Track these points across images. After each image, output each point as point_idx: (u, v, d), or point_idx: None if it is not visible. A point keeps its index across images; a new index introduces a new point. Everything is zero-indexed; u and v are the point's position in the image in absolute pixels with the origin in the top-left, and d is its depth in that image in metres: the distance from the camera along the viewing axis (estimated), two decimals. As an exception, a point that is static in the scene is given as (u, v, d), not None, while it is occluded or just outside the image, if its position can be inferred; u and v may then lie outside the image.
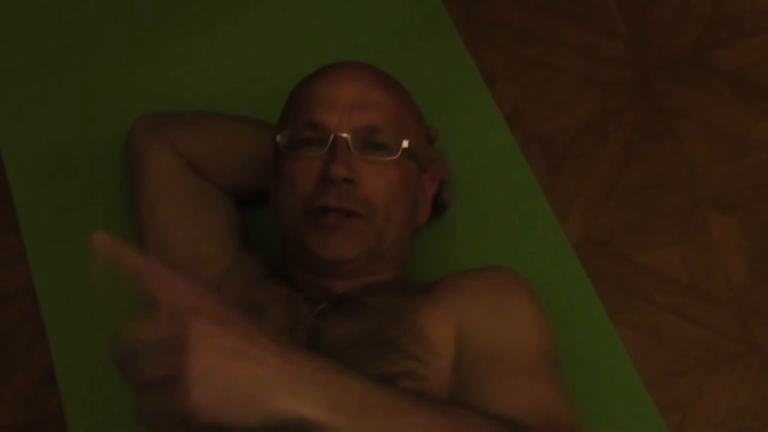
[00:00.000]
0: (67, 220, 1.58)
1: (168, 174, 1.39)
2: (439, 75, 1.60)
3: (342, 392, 0.81)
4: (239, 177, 1.42)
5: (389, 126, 1.23)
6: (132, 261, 0.80)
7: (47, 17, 1.73)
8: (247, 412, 0.78)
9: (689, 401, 1.37)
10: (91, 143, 1.62)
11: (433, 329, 1.14)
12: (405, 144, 1.23)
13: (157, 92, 1.64)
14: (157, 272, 0.79)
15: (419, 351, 1.12)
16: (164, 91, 1.65)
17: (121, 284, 1.47)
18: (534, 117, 1.57)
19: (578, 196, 1.52)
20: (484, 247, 1.47)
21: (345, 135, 1.19)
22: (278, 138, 1.26)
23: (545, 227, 1.49)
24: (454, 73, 1.61)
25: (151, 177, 1.40)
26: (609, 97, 1.57)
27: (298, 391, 0.80)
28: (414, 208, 1.29)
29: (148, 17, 1.71)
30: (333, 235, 1.17)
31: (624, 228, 1.48)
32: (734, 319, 1.41)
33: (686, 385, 1.38)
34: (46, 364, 1.51)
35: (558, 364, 1.20)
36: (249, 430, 0.81)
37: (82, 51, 1.70)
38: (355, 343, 1.11)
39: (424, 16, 1.66)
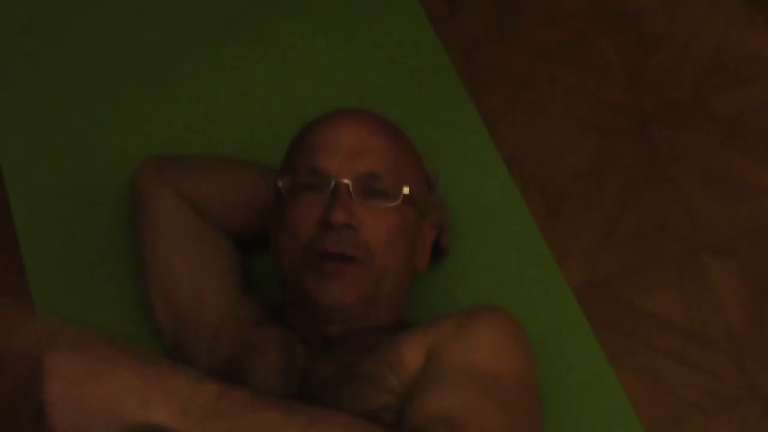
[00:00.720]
0: (74, 261, 1.58)
1: (171, 216, 1.40)
2: (439, 119, 1.60)
3: (190, 398, 0.93)
4: (241, 221, 1.41)
5: (390, 173, 1.24)
6: None
7: (56, 59, 1.75)
8: (104, 425, 0.91)
9: None
10: (97, 186, 1.62)
11: (410, 358, 1.14)
12: (405, 190, 1.24)
13: (162, 135, 1.65)
14: (2, 320, 0.90)
15: (396, 383, 1.12)
16: (169, 134, 1.65)
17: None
18: (533, 161, 1.58)
19: (577, 241, 1.52)
20: (483, 291, 1.46)
21: (346, 181, 1.20)
22: (280, 183, 1.27)
23: (544, 271, 1.48)
24: (454, 117, 1.61)
25: (155, 219, 1.40)
26: (607, 142, 1.58)
27: (147, 400, 0.92)
28: (413, 254, 1.29)
29: (154, 61, 1.72)
30: (331, 281, 1.17)
31: (623, 272, 1.49)
32: (733, 364, 1.41)
33: (685, 430, 1.38)
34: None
35: (528, 402, 1.16)
36: None
37: (89, 93, 1.71)
38: (336, 380, 1.11)
39: (426, 61, 1.67)
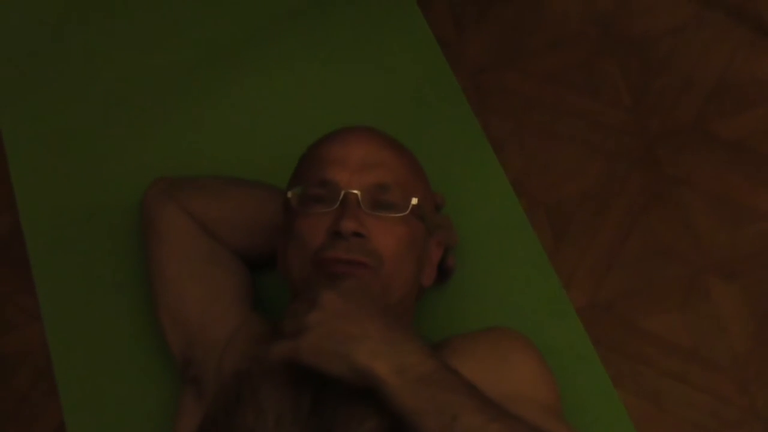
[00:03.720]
0: (81, 281, 1.58)
1: (180, 236, 1.40)
2: (447, 141, 1.61)
3: (412, 364, 1.03)
4: (250, 240, 1.42)
5: (398, 185, 1.25)
6: None
7: (71, 84, 1.76)
8: (337, 361, 1.05)
9: None
10: (106, 206, 1.63)
11: None
12: (414, 201, 1.25)
13: (171, 156, 1.66)
14: None
15: None
16: (178, 154, 1.66)
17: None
18: (539, 183, 1.59)
19: (582, 262, 1.52)
20: (489, 311, 1.46)
21: (355, 191, 1.21)
22: (289, 195, 1.27)
23: (550, 292, 1.48)
24: (461, 139, 1.62)
25: (164, 238, 1.41)
26: (613, 165, 1.58)
27: (379, 353, 1.04)
28: (419, 269, 1.29)
29: (165, 83, 1.74)
30: (343, 282, 1.17)
31: (627, 294, 1.48)
32: (736, 386, 1.40)
33: None
34: (58, 420, 1.51)
35: (563, 417, 1.23)
36: (335, 378, 1.06)
37: (100, 114, 1.72)
38: (347, 393, 1.11)
39: (435, 83, 1.68)
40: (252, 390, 1.16)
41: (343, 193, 1.21)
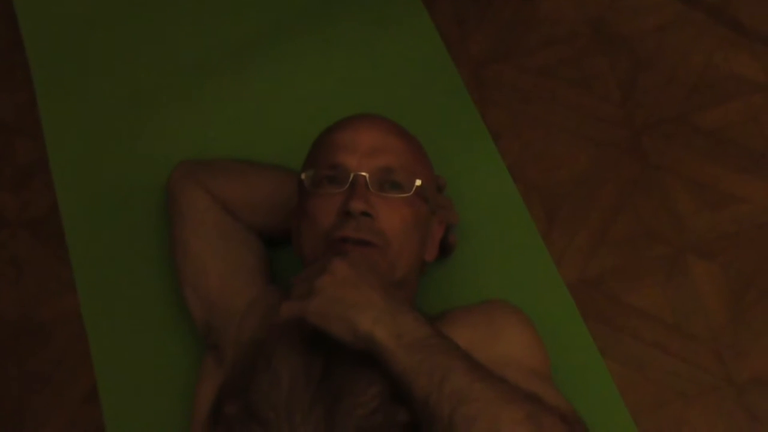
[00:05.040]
0: (112, 254, 1.60)
1: (202, 215, 1.42)
2: (449, 129, 1.63)
3: (408, 330, 1.07)
4: (266, 218, 1.44)
5: (403, 168, 1.26)
6: None
7: (106, 75, 1.78)
8: (341, 324, 1.08)
9: (670, 428, 1.37)
10: (135, 185, 1.65)
11: None
12: (417, 183, 1.26)
13: (194, 140, 1.68)
14: None
15: None
16: (201, 139, 1.68)
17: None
18: (534, 169, 1.59)
19: (573, 242, 1.52)
20: (486, 285, 1.48)
21: (364, 174, 1.23)
22: (303, 177, 1.28)
23: (542, 269, 1.50)
24: (463, 128, 1.63)
25: (187, 217, 1.43)
26: (602, 153, 1.58)
27: (379, 319, 1.07)
28: (423, 245, 1.30)
29: (189, 75, 1.75)
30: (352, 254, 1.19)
31: (614, 271, 1.49)
32: (712, 355, 1.41)
33: (668, 415, 1.38)
34: (91, 383, 1.52)
35: (552, 382, 1.25)
36: (337, 339, 1.09)
37: (131, 103, 1.74)
38: (355, 360, 1.13)
39: (439, 77, 1.69)
40: (267, 357, 1.18)
41: (352, 175, 1.22)
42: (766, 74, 1.62)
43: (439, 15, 1.77)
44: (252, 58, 1.76)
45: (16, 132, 1.76)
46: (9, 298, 1.62)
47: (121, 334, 1.55)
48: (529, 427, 1.01)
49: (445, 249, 1.47)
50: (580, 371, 1.42)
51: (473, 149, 1.62)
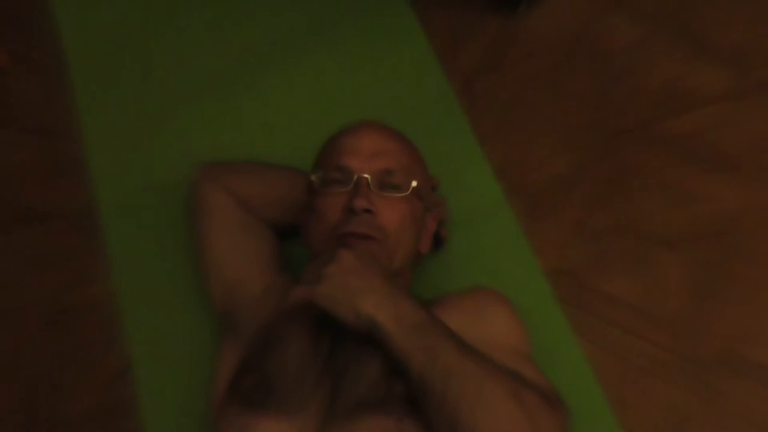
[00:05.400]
0: (143, 244, 1.61)
1: (222, 211, 1.43)
2: (441, 135, 1.63)
3: (406, 314, 1.09)
4: (279, 214, 1.45)
5: (401, 170, 1.28)
6: None
7: (141, 79, 1.78)
8: (346, 307, 1.10)
9: (634, 400, 1.38)
10: (163, 183, 1.65)
11: None
12: (414, 183, 1.28)
13: (215, 143, 1.68)
14: None
15: None
16: (221, 142, 1.68)
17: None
18: (516, 171, 1.59)
19: (551, 235, 1.53)
20: (474, 274, 1.50)
21: (366, 175, 1.25)
22: (312, 178, 1.31)
23: (523, 259, 1.52)
24: (454, 134, 1.65)
25: (209, 213, 1.44)
26: (578, 156, 1.59)
27: (381, 304, 1.09)
28: (418, 238, 1.32)
29: (212, 85, 1.75)
30: (357, 247, 1.20)
31: (588, 261, 1.50)
32: (673, 336, 1.42)
33: (633, 387, 1.39)
34: (121, 361, 1.52)
35: (532, 360, 1.26)
36: (342, 321, 1.11)
37: (158, 111, 1.74)
38: (358, 339, 1.14)
39: (432, 87, 1.71)
40: (280, 336, 1.20)
41: (356, 176, 1.25)
42: (725, 86, 1.62)
43: (432, 32, 1.77)
44: (265, 72, 1.76)
45: (58, 134, 1.77)
46: (49, 283, 1.61)
47: (149, 316, 1.55)
48: (512, 401, 1.04)
49: (437, 242, 1.49)
50: (556, 350, 1.43)
51: (462, 153, 1.63)
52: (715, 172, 1.54)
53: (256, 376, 1.18)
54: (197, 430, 1.44)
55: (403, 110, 1.65)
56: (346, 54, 1.76)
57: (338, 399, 1.14)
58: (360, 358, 1.16)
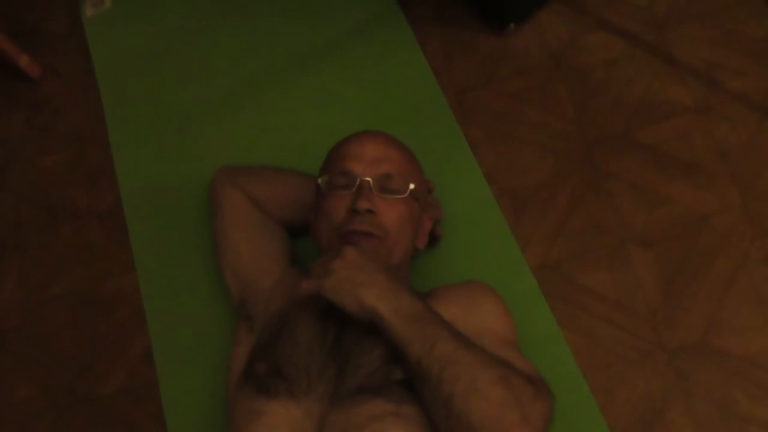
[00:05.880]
0: (166, 241, 1.62)
1: (239, 211, 1.45)
2: (436, 143, 1.63)
3: (405, 305, 1.09)
4: (290, 213, 1.46)
5: (400, 175, 1.30)
6: None
7: (157, 97, 1.79)
8: (350, 299, 1.10)
9: (614, 386, 1.38)
10: (184, 184, 1.66)
11: None
12: (411, 186, 1.29)
13: (232, 149, 1.70)
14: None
15: None
16: (237, 148, 1.70)
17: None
18: (505, 175, 1.60)
19: (536, 234, 1.53)
20: (466, 269, 1.50)
21: (368, 179, 1.26)
22: (319, 181, 1.32)
23: (511, 256, 1.51)
24: (447, 141, 1.64)
25: (227, 212, 1.45)
26: (560, 163, 1.59)
27: (382, 296, 1.10)
28: (415, 235, 1.33)
29: (230, 96, 1.75)
30: (360, 244, 1.22)
31: (569, 257, 1.50)
32: (648, 327, 1.42)
33: (612, 374, 1.40)
34: (146, 346, 1.54)
35: (519, 348, 1.26)
36: (347, 312, 1.10)
37: (179, 119, 1.75)
38: (362, 329, 1.15)
39: (428, 100, 1.70)
40: (290, 325, 1.21)
41: (359, 180, 1.26)
42: (694, 99, 1.61)
43: (429, 49, 1.77)
44: (276, 86, 1.77)
45: (89, 140, 1.80)
46: (81, 276, 1.64)
47: (171, 306, 1.56)
48: (502, 386, 1.04)
49: (433, 239, 1.50)
50: (541, 340, 1.43)
51: (456, 158, 1.63)
52: (686, 177, 1.55)
53: (268, 361, 1.19)
54: (214, 413, 1.43)
55: (401, 120, 1.66)
56: (349, 69, 1.77)
57: (342, 384, 1.14)
58: (363, 346, 1.16)
